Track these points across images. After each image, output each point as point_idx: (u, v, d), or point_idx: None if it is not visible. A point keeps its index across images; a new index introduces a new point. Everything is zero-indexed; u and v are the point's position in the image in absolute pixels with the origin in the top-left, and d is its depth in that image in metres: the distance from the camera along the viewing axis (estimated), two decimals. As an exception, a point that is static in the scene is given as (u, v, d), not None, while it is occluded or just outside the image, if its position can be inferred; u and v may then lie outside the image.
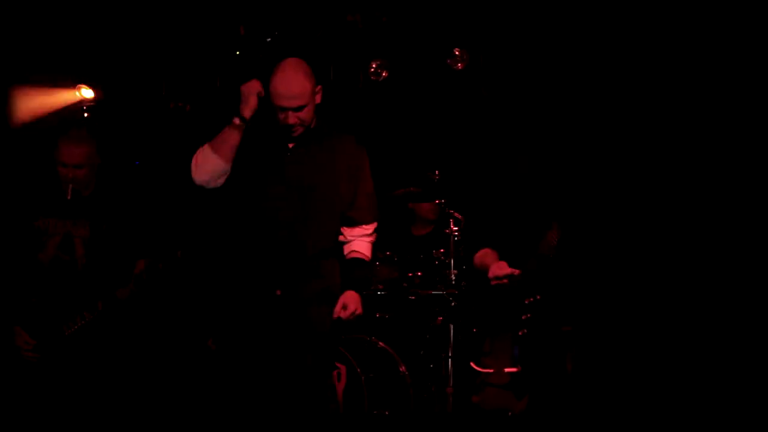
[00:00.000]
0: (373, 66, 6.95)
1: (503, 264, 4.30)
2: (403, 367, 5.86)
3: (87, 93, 6.78)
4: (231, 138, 4.16)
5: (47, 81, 6.60)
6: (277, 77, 4.17)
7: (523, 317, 4.26)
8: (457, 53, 6.73)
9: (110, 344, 4.87)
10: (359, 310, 4.30)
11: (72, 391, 4.77)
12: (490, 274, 4.34)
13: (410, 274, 6.19)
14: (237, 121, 4.17)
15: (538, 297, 4.23)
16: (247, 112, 4.18)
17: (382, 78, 6.96)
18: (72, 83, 6.71)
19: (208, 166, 4.16)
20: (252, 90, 4.18)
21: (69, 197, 4.82)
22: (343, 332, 5.78)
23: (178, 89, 7.27)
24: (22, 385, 4.77)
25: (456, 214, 6.05)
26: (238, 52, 6.92)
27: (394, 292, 6.14)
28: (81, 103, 6.79)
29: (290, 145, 4.23)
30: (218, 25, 6.91)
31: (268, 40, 6.68)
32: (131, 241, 4.88)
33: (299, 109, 4.14)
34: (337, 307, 4.26)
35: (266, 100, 4.20)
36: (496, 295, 4.33)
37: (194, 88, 7.23)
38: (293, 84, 4.14)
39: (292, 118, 4.14)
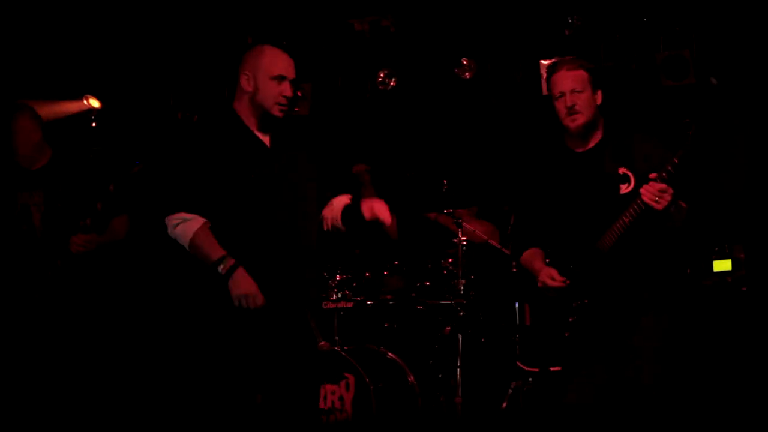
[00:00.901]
0: (381, 75, 6.95)
1: (554, 272, 4.27)
2: (412, 377, 5.84)
3: (94, 103, 6.80)
4: (204, 261, 3.94)
5: (55, 91, 6.62)
6: (270, 51, 4.04)
7: (570, 319, 4.25)
8: (464, 62, 6.73)
9: (75, 299, 4.96)
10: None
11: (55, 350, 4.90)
12: (540, 282, 4.32)
13: (419, 284, 6.18)
14: (221, 270, 3.89)
15: (586, 301, 4.22)
16: (231, 284, 3.90)
17: (389, 87, 6.97)
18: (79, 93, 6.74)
19: (180, 240, 3.97)
20: (249, 290, 3.91)
21: None
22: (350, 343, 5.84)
23: (185, 99, 7.28)
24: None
25: (465, 224, 6.05)
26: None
27: (403, 302, 6.13)
28: (88, 113, 6.80)
29: (266, 142, 4.13)
30: (226, 36, 6.92)
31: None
32: (82, 203, 4.96)
33: (294, 81, 4.09)
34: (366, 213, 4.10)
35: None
36: (542, 297, 4.34)
37: (202, 99, 7.24)
38: (287, 55, 4.09)
39: (290, 90, 4.09)
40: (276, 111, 4.06)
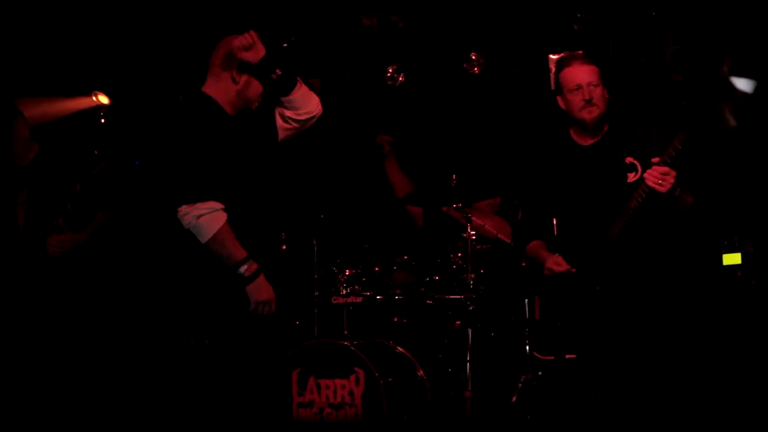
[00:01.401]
0: (390, 70, 6.95)
1: (559, 259, 4.38)
2: (422, 372, 5.84)
3: (103, 99, 6.80)
4: (222, 257, 3.89)
5: (63, 88, 6.63)
6: (245, 36, 4.15)
7: (582, 307, 4.33)
8: (473, 57, 6.73)
9: (59, 301, 4.95)
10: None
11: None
12: (546, 269, 4.43)
13: (428, 279, 6.18)
14: (245, 272, 3.87)
15: (597, 288, 4.29)
16: (251, 289, 3.90)
17: (398, 82, 6.97)
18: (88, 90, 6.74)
19: (201, 230, 3.84)
20: (269, 297, 3.93)
21: None
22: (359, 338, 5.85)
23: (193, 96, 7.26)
24: None
25: (475, 218, 6.05)
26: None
27: (412, 296, 6.13)
28: (97, 110, 6.80)
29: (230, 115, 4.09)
30: (233, 31, 6.91)
31: (284, 45, 6.67)
32: (58, 202, 4.97)
33: None
34: None
35: None
36: (551, 285, 4.42)
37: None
38: None
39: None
40: (255, 106, 4.10)
